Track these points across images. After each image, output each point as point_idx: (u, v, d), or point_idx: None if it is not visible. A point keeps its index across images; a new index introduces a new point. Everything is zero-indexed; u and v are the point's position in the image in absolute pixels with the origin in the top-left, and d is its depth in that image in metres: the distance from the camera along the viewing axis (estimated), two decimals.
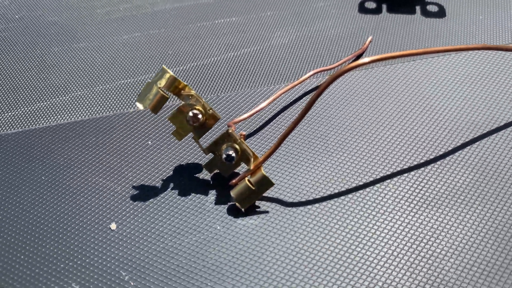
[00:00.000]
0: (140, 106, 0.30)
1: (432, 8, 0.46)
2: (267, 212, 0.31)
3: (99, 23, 0.45)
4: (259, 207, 0.32)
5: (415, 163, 0.34)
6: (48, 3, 0.47)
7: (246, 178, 0.31)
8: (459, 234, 0.30)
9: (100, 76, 0.40)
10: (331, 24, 0.45)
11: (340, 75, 0.29)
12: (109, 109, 0.38)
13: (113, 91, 0.39)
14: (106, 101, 0.38)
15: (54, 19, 0.46)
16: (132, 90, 0.39)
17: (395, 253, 0.29)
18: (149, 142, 0.35)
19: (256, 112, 0.35)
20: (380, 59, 0.29)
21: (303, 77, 0.37)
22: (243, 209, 0.31)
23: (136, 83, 0.40)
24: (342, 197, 0.32)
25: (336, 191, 0.32)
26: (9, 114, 0.37)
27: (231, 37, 0.44)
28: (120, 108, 0.38)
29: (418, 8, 0.46)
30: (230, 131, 0.31)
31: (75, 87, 0.39)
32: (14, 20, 0.45)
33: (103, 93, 0.39)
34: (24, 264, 0.29)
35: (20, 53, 0.42)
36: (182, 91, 0.30)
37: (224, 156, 0.31)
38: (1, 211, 0.31)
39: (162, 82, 0.29)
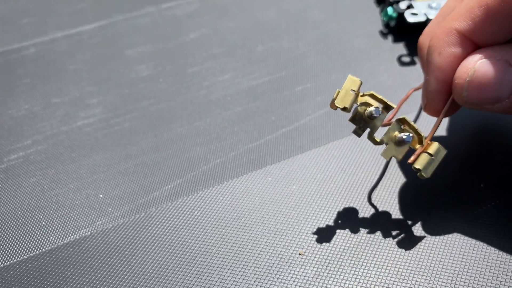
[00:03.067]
0: (339, 105, 0.37)
1: None
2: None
3: (203, 103, 0.53)
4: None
5: None
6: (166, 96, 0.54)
7: (423, 152, 0.38)
8: None
9: (229, 142, 0.48)
10: (385, 77, 0.56)
11: None
12: (250, 167, 0.46)
13: (242, 155, 0.47)
14: (246, 161, 0.46)
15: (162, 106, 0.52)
16: (255, 152, 0.47)
17: None
18: (294, 187, 0.43)
19: (390, 120, 0.43)
20: None
21: (406, 96, 0.46)
22: (428, 177, 0.38)
23: (261, 144, 0.48)
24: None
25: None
26: (170, 185, 0.42)
27: (311, 99, 0.53)
28: (258, 165, 0.46)
29: None
30: (401, 117, 0.39)
31: (214, 156, 0.47)
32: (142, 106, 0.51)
33: (237, 158, 0.47)
34: None
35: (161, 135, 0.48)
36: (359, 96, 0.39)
37: (404, 137, 0.38)
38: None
39: (352, 86, 0.37)
